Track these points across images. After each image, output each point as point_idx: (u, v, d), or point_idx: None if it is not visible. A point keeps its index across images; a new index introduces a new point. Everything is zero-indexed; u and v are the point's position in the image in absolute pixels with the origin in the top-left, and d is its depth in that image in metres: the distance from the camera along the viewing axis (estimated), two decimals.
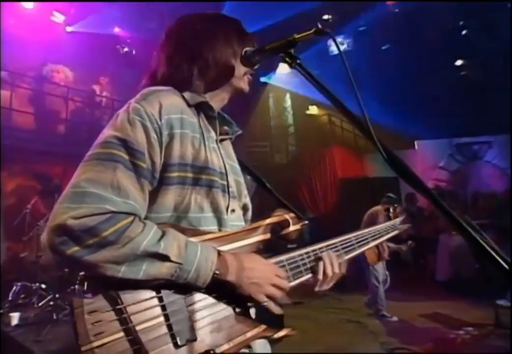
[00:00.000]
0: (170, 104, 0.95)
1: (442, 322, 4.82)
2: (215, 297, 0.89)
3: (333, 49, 10.63)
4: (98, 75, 9.65)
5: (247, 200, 1.13)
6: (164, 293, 0.83)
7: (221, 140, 1.08)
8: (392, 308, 5.13)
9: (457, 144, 9.76)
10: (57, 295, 4.87)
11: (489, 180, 9.02)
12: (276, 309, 0.93)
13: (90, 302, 0.77)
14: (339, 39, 10.62)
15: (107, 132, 0.90)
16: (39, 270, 5.46)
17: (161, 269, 0.81)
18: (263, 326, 0.94)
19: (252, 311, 0.95)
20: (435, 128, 9.53)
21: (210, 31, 1.08)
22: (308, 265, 1.06)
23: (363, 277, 5.16)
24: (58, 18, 9.18)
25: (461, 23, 10.05)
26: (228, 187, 1.01)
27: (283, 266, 1.01)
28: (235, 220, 1.04)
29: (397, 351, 3.88)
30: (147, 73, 1.11)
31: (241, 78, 1.10)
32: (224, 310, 0.90)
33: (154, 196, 0.92)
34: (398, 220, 1.47)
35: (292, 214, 1.09)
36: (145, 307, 0.81)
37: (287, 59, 0.95)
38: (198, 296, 0.87)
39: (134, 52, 10.30)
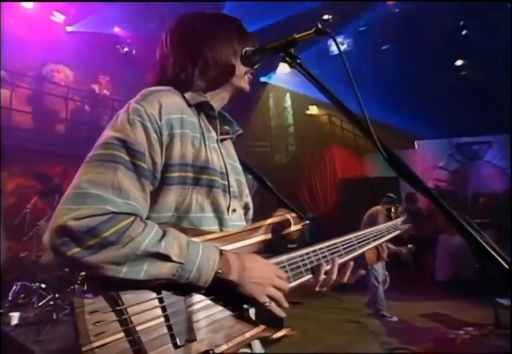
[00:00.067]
0: (170, 104, 0.95)
1: (442, 322, 4.82)
2: (215, 297, 0.89)
3: (333, 49, 10.64)
4: (98, 74, 9.64)
5: (248, 199, 1.13)
6: (164, 294, 0.83)
7: (222, 140, 1.08)
8: (392, 308, 5.13)
9: (457, 144, 9.76)
10: (57, 295, 4.87)
11: (489, 180, 9.02)
12: (278, 310, 0.93)
13: (91, 302, 0.77)
14: (339, 39, 10.56)
15: (108, 133, 0.90)
16: (39, 270, 5.46)
17: (163, 269, 0.81)
18: (262, 326, 0.93)
19: (251, 311, 0.95)
20: (435, 128, 9.54)
21: (210, 31, 1.07)
22: (309, 266, 1.05)
23: (363, 277, 5.16)
24: (58, 18, 9.18)
25: (461, 23, 10.05)
26: (229, 187, 1.01)
27: (284, 266, 1.00)
28: (236, 220, 1.03)
29: (397, 351, 3.88)
30: (151, 73, 1.10)
31: (242, 77, 1.10)
32: (223, 311, 0.90)
33: (155, 196, 0.92)
34: (399, 220, 1.46)
35: (293, 214, 1.08)
36: (146, 308, 0.81)
37: (287, 58, 0.95)
38: (198, 297, 0.87)
39: (134, 52, 10.30)
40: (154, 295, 0.83)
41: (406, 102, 9.97)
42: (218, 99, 1.10)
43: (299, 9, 9.32)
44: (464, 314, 4.96)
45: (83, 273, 0.83)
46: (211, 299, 0.89)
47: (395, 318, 4.95)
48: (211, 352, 0.83)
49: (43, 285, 5.26)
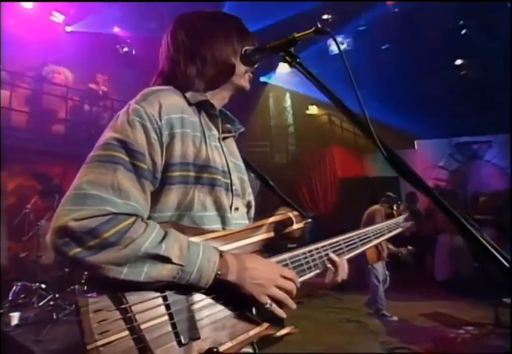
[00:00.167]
0: (170, 103, 0.95)
1: (442, 322, 4.82)
2: (218, 296, 0.90)
3: (333, 48, 10.63)
4: (96, 73, 9.63)
5: (251, 197, 1.13)
6: (168, 292, 0.84)
7: (224, 138, 1.08)
8: (392, 308, 5.13)
9: (457, 144, 9.75)
10: (57, 295, 4.88)
11: (489, 180, 9.02)
12: (279, 312, 0.92)
13: (95, 301, 0.78)
14: (339, 39, 10.57)
15: (107, 134, 0.90)
16: (39, 270, 5.46)
17: (163, 271, 0.81)
18: (265, 324, 0.94)
19: (254, 310, 0.94)
20: (435, 128, 9.53)
21: (209, 30, 1.07)
22: (311, 264, 1.05)
23: (363, 277, 5.16)
24: (58, 18, 9.17)
25: (461, 23, 10.05)
26: (231, 185, 1.01)
27: (286, 265, 1.00)
28: (239, 218, 1.04)
29: (397, 350, 3.88)
30: (156, 73, 1.10)
31: (242, 76, 1.09)
32: (227, 309, 0.90)
33: (157, 196, 0.92)
34: (401, 217, 1.46)
35: (295, 212, 1.08)
36: (150, 306, 0.81)
37: (287, 58, 0.95)
38: (201, 295, 0.88)
39: (133, 52, 10.30)
40: (158, 293, 0.83)
41: (406, 102, 9.97)
42: (218, 98, 1.10)
43: (299, 9, 9.31)
44: (464, 314, 4.96)
45: (87, 273, 0.84)
46: (214, 298, 0.89)
47: (395, 318, 4.96)
48: (214, 350, 0.83)
49: (43, 285, 5.27)
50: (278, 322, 0.96)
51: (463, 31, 10.03)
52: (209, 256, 0.86)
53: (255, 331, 0.92)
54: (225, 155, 1.04)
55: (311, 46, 9.42)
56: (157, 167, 0.90)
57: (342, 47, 10.29)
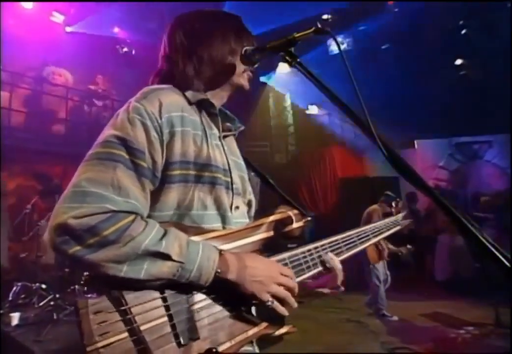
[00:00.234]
0: (170, 102, 0.95)
1: (442, 322, 4.82)
2: (217, 296, 0.89)
3: (333, 48, 10.62)
4: (96, 73, 9.63)
5: (251, 196, 1.13)
6: (168, 293, 0.84)
7: (224, 137, 1.08)
8: (393, 308, 5.13)
9: (457, 144, 9.75)
10: (57, 295, 4.88)
11: (489, 180, 9.01)
12: (281, 309, 0.92)
13: (95, 302, 0.78)
14: (339, 39, 10.57)
15: (107, 131, 0.90)
16: (39, 270, 5.47)
17: (163, 268, 0.81)
18: (264, 324, 0.94)
19: (254, 309, 0.95)
20: (435, 128, 9.52)
21: (207, 30, 1.08)
22: (310, 263, 1.05)
23: (363, 277, 5.16)
24: (58, 18, 9.16)
25: (461, 23, 10.03)
26: (232, 184, 1.01)
27: (286, 264, 1.00)
28: (239, 217, 1.04)
29: (398, 350, 3.88)
30: (155, 72, 1.11)
31: (241, 75, 1.10)
32: (226, 309, 0.90)
33: (157, 195, 0.92)
34: (400, 215, 1.47)
35: (295, 211, 1.08)
36: (149, 308, 0.81)
37: (287, 58, 0.95)
38: (201, 295, 0.88)
39: (133, 52, 10.28)
40: (157, 294, 0.83)
41: (406, 101, 9.96)
42: (218, 97, 1.10)
43: (299, 9, 9.29)
44: (464, 314, 4.96)
45: (87, 273, 0.84)
46: (213, 298, 0.89)
47: (395, 318, 4.95)
48: (214, 350, 0.83)
49: (43, 286, 5.26)
50: (278, 321, 0.96)
51: (463, 31, 10.01)
52: (209, 254, 0.86)
53: (253, 330, 0.92)
54: (226, 153, 1.04)
55: (311, 49, 9.38)
56: (157, 166, 0.90)
57: (342, 47, 10.29)
